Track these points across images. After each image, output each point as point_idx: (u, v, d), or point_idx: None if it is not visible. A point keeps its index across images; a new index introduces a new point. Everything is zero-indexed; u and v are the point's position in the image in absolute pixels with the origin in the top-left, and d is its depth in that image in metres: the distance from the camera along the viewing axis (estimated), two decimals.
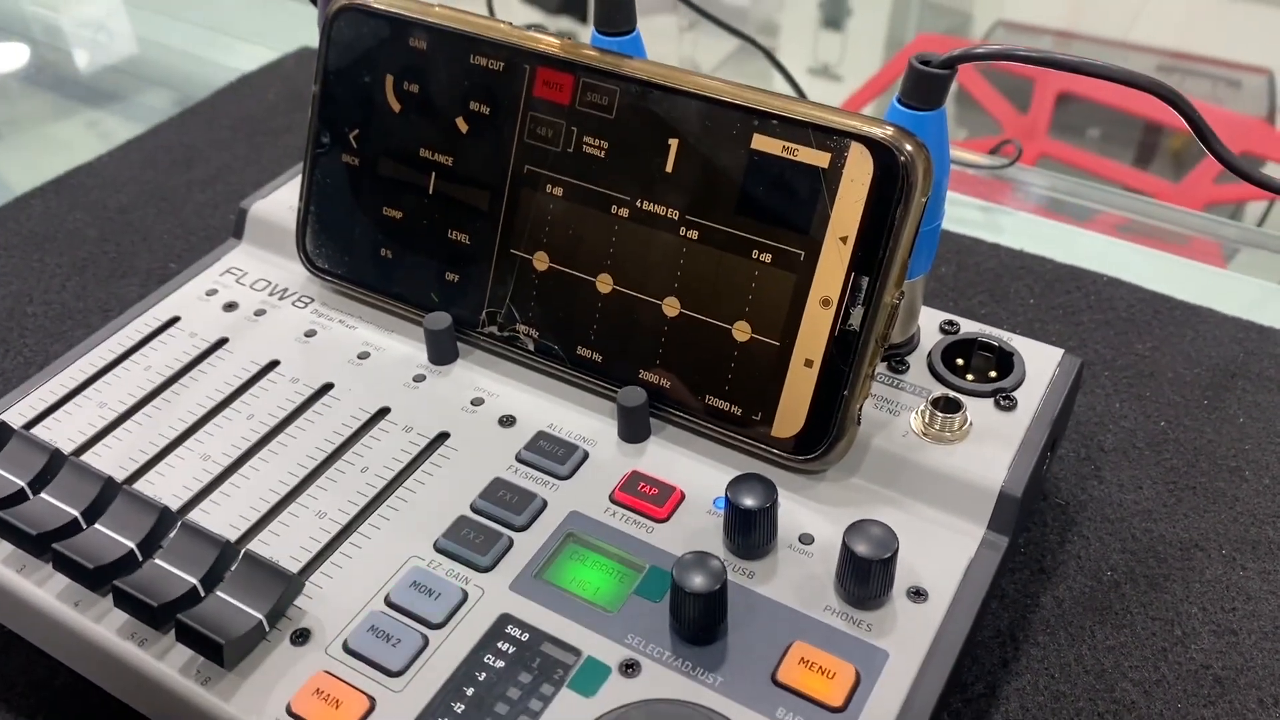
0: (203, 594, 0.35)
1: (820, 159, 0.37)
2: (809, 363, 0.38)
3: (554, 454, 0.41)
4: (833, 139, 0.37)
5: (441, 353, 0.44)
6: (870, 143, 0.36)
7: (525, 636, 0.35)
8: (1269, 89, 1.58)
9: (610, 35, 0.42)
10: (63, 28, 0.93)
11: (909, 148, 0.36)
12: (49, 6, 0.96)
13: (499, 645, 0.35)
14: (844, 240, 0.37)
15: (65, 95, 0.83)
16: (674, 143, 0.40)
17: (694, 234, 0.40)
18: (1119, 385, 0.52)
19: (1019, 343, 0.43)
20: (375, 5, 0.44)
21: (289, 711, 0.33)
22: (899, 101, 0.37)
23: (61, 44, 0.91)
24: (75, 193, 0.66)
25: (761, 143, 0.38)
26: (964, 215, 0.65)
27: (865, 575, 0.35)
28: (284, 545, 0.38)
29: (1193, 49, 1.71)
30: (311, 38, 0.82)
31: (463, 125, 0.43)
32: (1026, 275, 0.58)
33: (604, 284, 0.42)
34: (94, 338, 0.47)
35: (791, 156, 0.38)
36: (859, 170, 0.36)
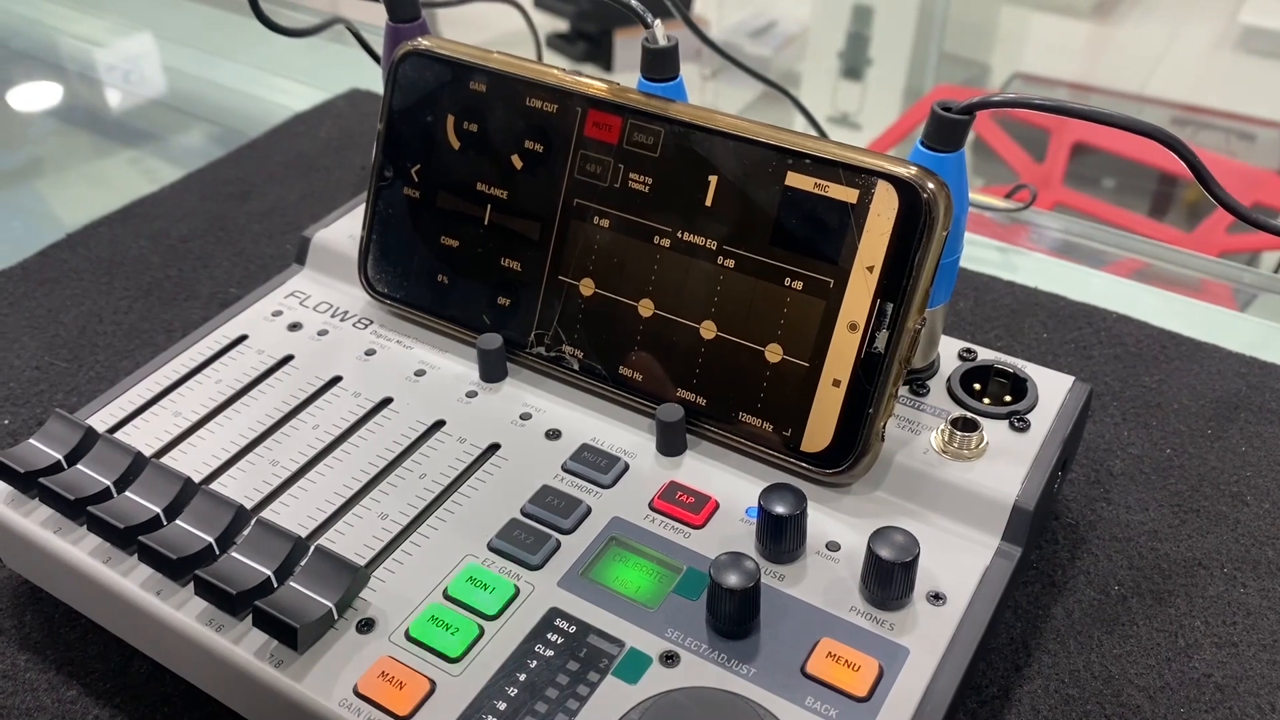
0: (276, 585, 0.38)
1: (849, 195, 0.40)
2: (837, 383, 0.41)
3: (597, 464, 0.44)
4: (861, 177, 0.40)
5: (492, 371, 0.48)
6: (896, 181, 0.40)
7: (572, 629, 0.38)
8: None
9: (655, 81, 0.46)
10: (119, 69, 0.98)
11: (931, 186, 0.39)
12: (100, 44, 1.01)
13: (548, 636, 0.38)
14: (870, 270, 0.40)
15: (110, 133, 0.87)
16: (713, 179, 0.43)
17: (730, 263, 0.43)
18: (1127, 415, 0.55)
19: (1032, 370, 0.46)
20: (439, 50, 0.48)
21: (356, 692, 0.36)
22: (922, 144, 0.41)
23: (115, 84, 0.96)
24: (139, 222, 0.70)
25: (795, 180, 0.41)
26: (981, 255, 0.68)
27: (888, 578, 0.38)
28: (349, 543, 0.41)
29: (1207, 103, 1.75)
30: (361, 80, 0.86)
31: (517, 162, 0.47)
32: (1040, 311, 0.61)
33: (645, 308, 0.45)
34: (168, 353, 0.50)
35: (822, 193, 0.41)
36: (885, 206, 0.40)
